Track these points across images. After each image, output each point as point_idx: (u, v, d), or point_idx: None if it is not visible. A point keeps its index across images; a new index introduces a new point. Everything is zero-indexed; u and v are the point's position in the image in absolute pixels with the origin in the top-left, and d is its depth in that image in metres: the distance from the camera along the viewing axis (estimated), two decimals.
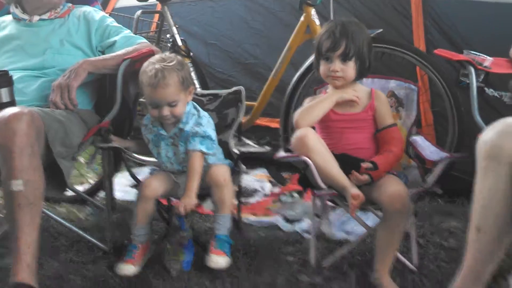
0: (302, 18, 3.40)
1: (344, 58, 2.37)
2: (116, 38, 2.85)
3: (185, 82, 2.46)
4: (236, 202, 2.71)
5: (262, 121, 3.80)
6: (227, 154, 2.69)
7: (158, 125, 2.52)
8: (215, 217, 2.50)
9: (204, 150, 2.44)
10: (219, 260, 2.40)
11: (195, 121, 2.48)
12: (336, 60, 2.37)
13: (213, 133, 2.50)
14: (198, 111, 2.52)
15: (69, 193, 3.28)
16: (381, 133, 2.42)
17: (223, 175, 2.47)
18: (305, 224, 2.94)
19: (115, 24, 2.96)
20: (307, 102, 2.48)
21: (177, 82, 2.42)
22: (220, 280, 2.32)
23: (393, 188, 2.23)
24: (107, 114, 2.65)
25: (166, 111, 2.43)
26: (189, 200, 2.39)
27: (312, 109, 2.39)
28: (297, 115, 2.40)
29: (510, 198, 1.84)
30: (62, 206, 3.33)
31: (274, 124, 3.71)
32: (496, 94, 2.52)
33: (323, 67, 2.42)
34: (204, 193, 2.51)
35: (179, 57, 2.50)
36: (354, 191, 2.23)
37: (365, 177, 2.27)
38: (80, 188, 3.45)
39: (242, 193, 2.90)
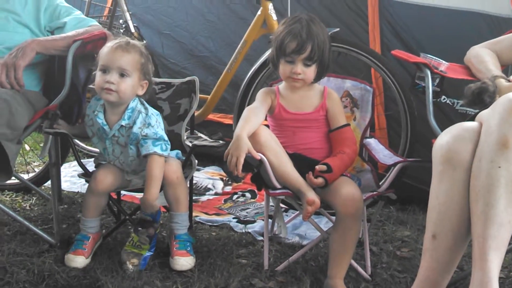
0: (259, 12, 3.37)
1: (308, 61, 2.35)
2: (66, 19, 2.76)
3: (144, 69, 2.37)
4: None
5: (215, 117, 3.76)
6: (179, 146, 2.63)
7: (102, 117, 2.40)
8: (172, 216, 2.45)
9: (159, 151, 2.34)
10: (184, 262, 2.37)
11: (142, 120, 2.36)
12: (299, 63, 2.35)
13: (163, 133, 2.40)
14: (146, 109, 2.41)
15: (13, 181, 3.18)
16: (334, 133, 2.42)
17: (175, 172, 2.40)
18: (258, 225, 2.91)
19: (66, 4, 2.86)
20: (261, 94, 2.45)
21: (137, 58, 2.35)
22: (171, 280, 2.26)
23: (347, 190, 2.22)
24: (55, 98, 2.55)
25: (114, 77, 2.30)
26: (149, 206, 2.32)
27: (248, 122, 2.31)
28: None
29: (466, 204, 1.86)
30: (5, 194, 3.20)
31: (227, 120, 3.68)
32: (448, 101, 2.55)
33: (284, 68, 2.38)
34: None
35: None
36: (311, 196, 2.21)
37: (320, 180, 2.25)
38: (25, 176, 3.32)
39: (193, 190, 2.85)
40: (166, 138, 2.39)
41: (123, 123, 2.36)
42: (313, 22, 2.36)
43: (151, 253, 2.39)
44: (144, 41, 3.59)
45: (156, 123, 2.38)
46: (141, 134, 2.35)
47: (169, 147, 2.41)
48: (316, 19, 2.42)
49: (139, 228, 2.38)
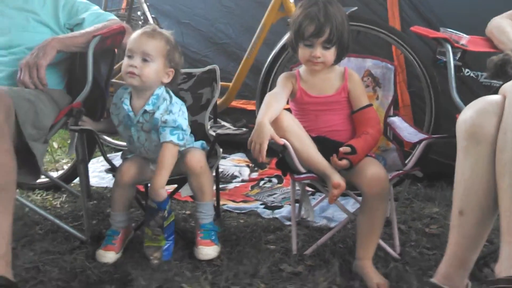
0: None
1: (327, 44, 2.33)
2: (84, 15, 2.76)
3: (170, 57, 2.39)
4: (214, 188, 2.67)
5: (237, 103, 3.76)
6: (203, 136, 2.63)
7: (128, 103, 2.41)
8: (197, 205, 2.46)
9: (175, 141, 2.34)
10: (208, 251, 2.38)
11: (165, 107, 2.37)
12: (318, 46, 2.33)
13: (184, 122, 2.40)
14: (170, 97, 2.42)
15: (42, 180, 3.22)
16: (357, 114, 2.40)
17: (199, 162, 2.41)
18: (285, 210, 2.91)
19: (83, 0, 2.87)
20: (281, 79, 2.44)
21: (162, 45, 2.37)
22: (201, 270, 2.28)
23: (372, 171, 2.20)
24: (79, 95, 2.56)
25: (137, 61, 2.33)
26: (156, 194, 2.32)
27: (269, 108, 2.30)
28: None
29: (492, 178, 1.83)
30: (36, 194, 3.24)
31: (250, 106, 3.68)
32: (472, 74, 2.52)
33: (303, 52, 2.36)
34: (181, 178, 2.46)
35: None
36: (336, 179, 2.20)
37: (344, 162, 2.23)
38: (54, 174, 3.36)
39: (219, 178, 2.86)
40: (185, 127, 2.40)
41: (147, 108, 2.38)
42: (330, 3, 2.34)
43: (170, 242, 2.39)
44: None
45: (178, 112, 2.38)
46: (161, 120, 2.36)
47: (187, 137, 2.42)
48: (334, 0, 2.39)
49: (148, 219, 2.39)
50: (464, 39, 2.46)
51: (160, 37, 2.38)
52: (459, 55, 2.43)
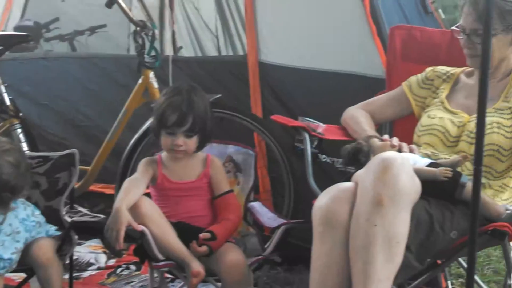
0: (140, 81, 3.32)
1: (189, 133, 2.34)
2: None
3: None
4: (67, 277, 2.52)
5: (96, 187, 3.64)
6: (58, 222, 2.50)
7: None
8: None
9: None
10: None
11: None
12: (181, 135, 2.33)
13: (6, 252, 2.23)
14: (0, 223, 2.26)
15: None
16: (218, 200, 2.42)
17: (45, 254, 2.28)
18: None
19: None
20: (142, 165, 2.41)
21: None
22: None
23: (230, 257, 2.22)
24: None
25: None
26: None
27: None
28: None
29: (347, 264, 1.88)
30: None
31: (110, 190, 3.57)
32: (328, 160, 2.60)
33: (165, 139, 2.36)
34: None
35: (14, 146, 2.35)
36: (195, 267, 2.18)
37: (204, 248, 2.23)
38: None
39: (74, 266, 2.71)
40: (7, 257, 2.24)
41: None
42: (194, 92, 2.38)
43: None
44: (20, 114, 3.48)
45: (1, 241, 2.24)
46: None
47: (8, 266, 2.26)
48: (198, 88, 2.43)
49: None
50: (320, 127, 2.56)
51: None
52: (316, 142, 2.51)
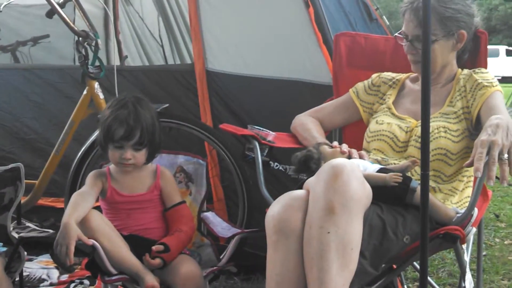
0: (85, 92, 3.28)
1: (138, 146, 2.31)
2: None
3: None
4: None
5: (46, 201, 3.57)
6: (5, 238, 2.43)
7: None
8: None
9: None
10: None
11: None
12: (129, 149, 2.30)
13: None
14: None
15: None
16: (170, 211, 2.41)
17: None
18: None
19: None
20: (90, 178, 2.37)
21: None
22: None
23: (185, 269, 2.20)
24: None
25: None
26: None
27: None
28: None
29: (302, 271, 1.88)
30: None
31: (60, 204, 3.50)
32: (280, 168, 2.61)
33: (113, 153, 2.32)
34: None
35: None
36: (149, 280, 2.15)
37: (157, 261, 2.21)
38: None
39: (25, 283, 2.65)
40: None
41: None
42: (140, 104, 2.34)
43: None
44: None
45: None
46: None
47: None
48: (143, 99, 2.40)
49: None
50: (270, 135, 2.56)
51: None
52: (266, 150, 2.51)
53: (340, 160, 1.99)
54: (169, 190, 2.42)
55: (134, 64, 4.84)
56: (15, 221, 2.61)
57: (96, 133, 2.72)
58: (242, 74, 3.28)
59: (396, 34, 2.56)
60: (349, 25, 3.64)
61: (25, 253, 2.45)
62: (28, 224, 2.65)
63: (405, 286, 2.74)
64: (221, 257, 2.40)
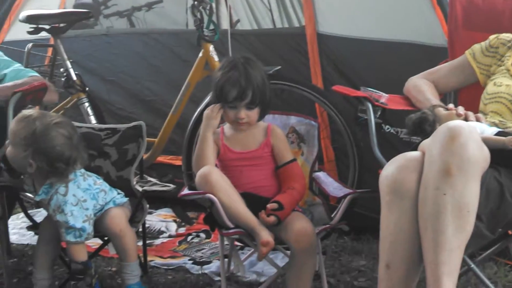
0: (200, 54, 3.38)
1: (251, 105, 2.38)
2: (6, 71, 2.74)
3: (32, 147, 2.28)
4: (141, 243, 2.63)
5: (164, 159, 3.75)
6: (129, 191, 2.60)
7: (30, 184, 2.40)
8: (122, 266, 2.42)
9: (72, 239, 2.30)
10: None
11: (57, 203, 2.29)
12: (242, 108, 2.37)
13: (78, 220, 2.29)
14: (64, 195, 2.30)
15: None
16: (281, 169, 2.44)
17: (118, 225, 2.39)
18: (214, 265, 2.89)
19: (5, 57, 2.86)
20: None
21: (21, 132, 2.30)
22: None
23: (299, 226, 2.24)
24: None
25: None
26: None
27: (200, 157, 2.39)
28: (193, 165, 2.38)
29: (416, 232, 1.90)
30: None
31: (177, 161, 3.66)
32: (392, 131, 2.62)
33: (228, 113, 2.40)
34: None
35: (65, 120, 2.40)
36: (264, 237, 2.21)
37: (272, 218, 2.26)
38: None
39: (146, 234, 2.82)
40: (80, 225, 2.31)
41: (37, 198, 2.36)
42: (250, 65, 2.39)
43: None
44: (87, 89, 3.59)
45: (70, 211, 2.29)
46: (54, 218, 2.32)
47: (84, 234, 2.32)
48: (252, 59, 2.45)
49: (76, 282, 2.33)
50: (383, 97, 2.55)
51: (25, 123, 2.29)
52: (379, 113, 2.50)
53: (457, 122, 1.97)
54: (280, 148, 2.45)
55: (243, 28, 4.90)
56: (138, 176, 2.75)
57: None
58: (353, 37, 3.29)
59: None
60: None
61: (148, 205, 2.61)
62: (149, 178, 2.79)
63: None
64: (332, 216, 2.43)
